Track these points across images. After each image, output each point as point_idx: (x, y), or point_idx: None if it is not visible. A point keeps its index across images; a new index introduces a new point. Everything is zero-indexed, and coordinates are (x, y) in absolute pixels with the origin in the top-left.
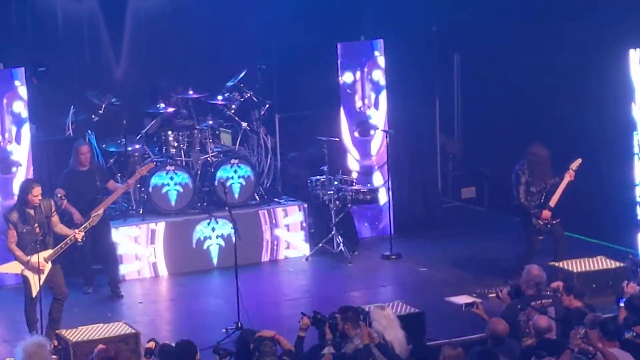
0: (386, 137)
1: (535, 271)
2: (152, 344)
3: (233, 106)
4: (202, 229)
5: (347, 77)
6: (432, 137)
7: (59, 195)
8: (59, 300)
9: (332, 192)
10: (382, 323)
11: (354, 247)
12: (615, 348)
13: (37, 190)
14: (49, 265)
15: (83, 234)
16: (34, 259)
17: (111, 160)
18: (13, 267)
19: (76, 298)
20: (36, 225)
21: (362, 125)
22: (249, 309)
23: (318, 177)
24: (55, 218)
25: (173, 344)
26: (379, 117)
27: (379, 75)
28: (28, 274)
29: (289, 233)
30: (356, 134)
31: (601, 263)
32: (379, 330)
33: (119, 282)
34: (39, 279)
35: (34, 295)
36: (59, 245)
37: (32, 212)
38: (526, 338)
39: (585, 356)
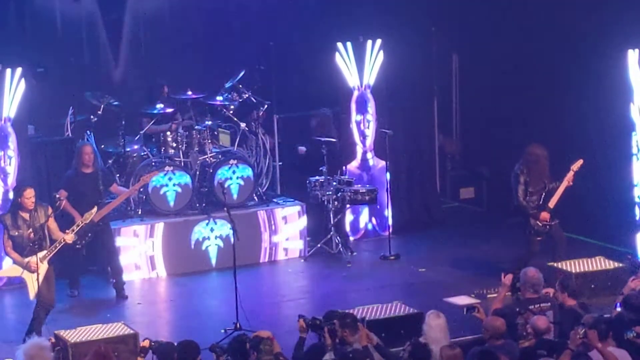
0: (385, 137)
1: (531, 273)
2: (146, 342)
3: (232, 107)
4: (200, 230)
5: None
6: (430, 137)
7: (58, 196)
8: (44, 309)
9: (330, 192)
10: (432, 335)
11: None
12: (612, 347)
13: (29, 193)
14: (44, 266)
15: (72, 235)
16: (31, 260)
17: (110, 161)
18: (13, 271)
19: (75, 299)
20: (30, 231)
21: None
22: (248, 310)
23: (317, 177)
24: (53, 225)
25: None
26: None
27: None
28: (26, 275)
29: (287, 234)
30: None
31: (600, 264)
32: (427, 336)
33: (123, 284)
34: (37, 279)
35: (31, 297)
36: (52, 246)
37: (26, 216)
38: (523, 340)
39: (584, 355)
